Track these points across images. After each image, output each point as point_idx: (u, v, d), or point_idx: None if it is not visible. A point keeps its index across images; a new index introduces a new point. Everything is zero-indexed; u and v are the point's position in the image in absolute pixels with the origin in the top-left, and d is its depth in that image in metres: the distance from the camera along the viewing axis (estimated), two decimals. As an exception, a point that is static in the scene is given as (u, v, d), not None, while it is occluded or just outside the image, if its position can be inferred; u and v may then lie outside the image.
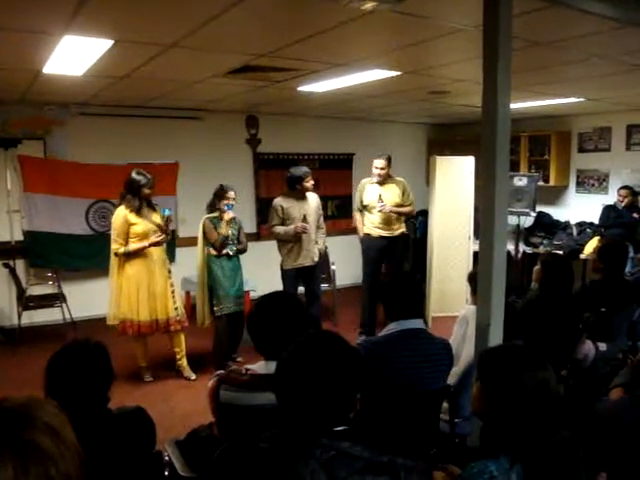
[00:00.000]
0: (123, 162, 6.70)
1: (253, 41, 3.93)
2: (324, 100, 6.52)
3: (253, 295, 5.98)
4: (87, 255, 6.92)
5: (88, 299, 6.67)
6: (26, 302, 6.27)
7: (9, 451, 0.93)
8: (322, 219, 6.06)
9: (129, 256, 4.88)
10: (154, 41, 3.80)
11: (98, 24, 3.37)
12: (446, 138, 9.63)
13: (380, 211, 6.02)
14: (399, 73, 4.94)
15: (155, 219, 4.97)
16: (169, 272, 5.11)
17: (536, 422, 1.63)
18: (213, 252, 5.18)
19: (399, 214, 6.20)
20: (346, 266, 8.09)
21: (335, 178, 8.88)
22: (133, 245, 4.85)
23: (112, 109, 6.94)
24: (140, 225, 4.85)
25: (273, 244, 5.89)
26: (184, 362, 5.26)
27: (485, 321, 2.57)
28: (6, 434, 0.95)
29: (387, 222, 6.15)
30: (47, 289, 6.59)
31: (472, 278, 3.63)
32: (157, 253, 4.99)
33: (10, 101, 6.37)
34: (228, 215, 5.17)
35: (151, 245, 4.87)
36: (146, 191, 4.88)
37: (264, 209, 7.09)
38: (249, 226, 7.71)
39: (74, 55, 4.06)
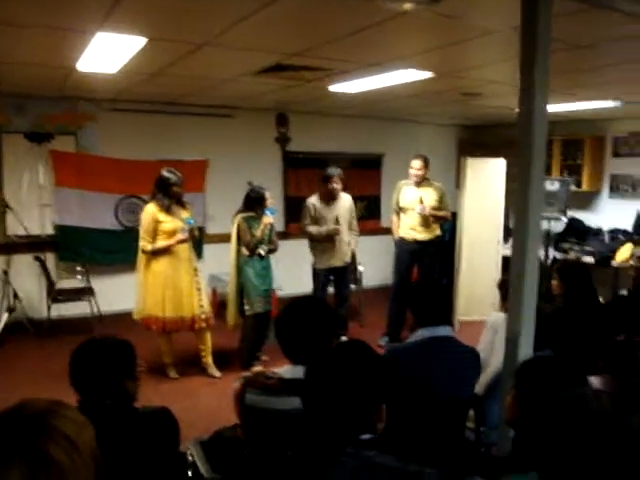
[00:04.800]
0: (153, 158, 6.78)
1: (285, 40, 3.92)
2: (355, 100, 6.48)
3: (279, 294, 5.96)
4: (115, 250, 6.98)
5: (116, 293, 6.73)
6: (55, 295, 6.36)
7: (20, 458, 0.91)
8: (355, 221, 6.04)
9: (156, 253, 4.90)
10: (187, 39, 3.82)
11: (132, 22, 3.39)
12: (476, 140, 9.51)
13: (419, 213, 5.95)
14: (432, 74, 4.89)
15: (185, 216, 4.98)
16: (195, 270, 5.11)
17: (570, 439, 1.58)
18: (245, 252, 5.12)
19: (436, 218, 6.09)
20: (373, 267, 8.03)
21: (364, 178, 8.79)
22: (160, 243, 4.87)
23: (143, 105, 6.99)
24: (169, 223, 4.87)
25: (301, 243, 5.88)
26: (209, 359, 5.26)
27: (516, 329, 2.52)
28: (20, 441, 0.93)
29: (424, 224, 6.06)
30: (76, 283, 6.67)
31: (502, 285, 3.57)
32: (184, 251, 5.00)
33: (45, 97, 6.45)
34: (269, 219, 5.13)
35: (178, 243, 4.89)
36: (176, 189, 4.90)
37: (292, 208, 7.07)
38: (277, 224, 7.70)
39: (107, 53, 4.09)
